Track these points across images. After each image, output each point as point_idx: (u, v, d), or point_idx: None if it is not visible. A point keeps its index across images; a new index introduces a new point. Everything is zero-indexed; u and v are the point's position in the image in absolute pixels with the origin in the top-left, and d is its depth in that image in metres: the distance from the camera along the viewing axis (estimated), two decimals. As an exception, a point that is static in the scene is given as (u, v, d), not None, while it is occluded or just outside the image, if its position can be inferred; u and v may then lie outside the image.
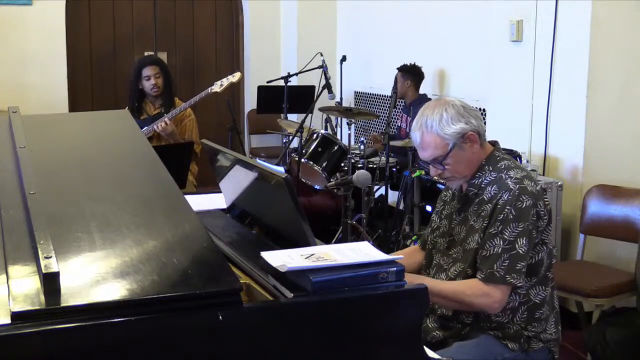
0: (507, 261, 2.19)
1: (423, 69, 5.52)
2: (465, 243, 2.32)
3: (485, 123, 4.87)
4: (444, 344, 2.30)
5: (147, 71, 4.67)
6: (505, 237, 2.20)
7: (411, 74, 5.46)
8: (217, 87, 4.60)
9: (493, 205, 2.24)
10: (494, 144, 2.39)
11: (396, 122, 5.64)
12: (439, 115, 2.26)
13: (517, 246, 2.19)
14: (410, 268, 2.48)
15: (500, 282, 2.19)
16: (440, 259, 2.41)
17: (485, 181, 2.31)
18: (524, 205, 2.20)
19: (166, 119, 4.49)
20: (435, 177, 2.38)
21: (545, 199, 2.29)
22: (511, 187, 2.23)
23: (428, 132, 2.27)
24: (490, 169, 2.32)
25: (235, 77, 4.64)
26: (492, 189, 2.27)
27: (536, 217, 2.23)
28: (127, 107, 4.82)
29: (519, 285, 2.22)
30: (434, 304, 2.30)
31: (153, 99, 4.77)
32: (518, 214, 2.20)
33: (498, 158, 2.34)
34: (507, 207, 2.20)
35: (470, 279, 2.26)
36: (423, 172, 4.46)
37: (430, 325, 2.36)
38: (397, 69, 5.51)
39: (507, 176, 2.27)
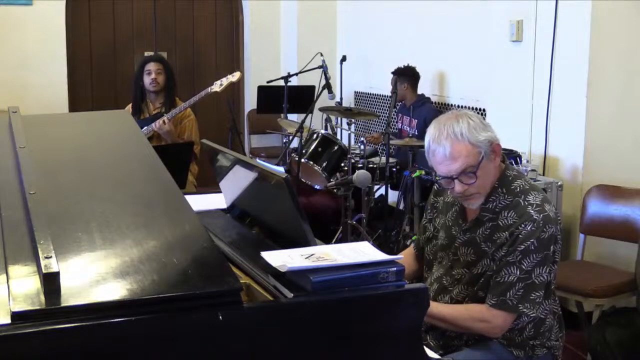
0: (522, 290, 2.13)
1: (423, 69, 5.52)
2: (473, 267, 2.24)
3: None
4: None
5: (150, 66, 4.71)
6: (523, 267, 2.13)
7: (407, 76, 5.43)
8: (216, 87, 4.61)
9: (512, 234, 2.15)
10: (503, 161, 2.28)
11: (396, 124, 5.63)
12: (467, 123, 2.14)
13: (533, 276, 2.13)
14: (408, 276, 2.44)
15: (512, 310, 2.14)
16: (443, 278, 2.33)
17: (500, 205, 2.21)
18: (546, 236, 2.13)
19: (165, 118, 4.50)
20: (456, 195, 2.22)
21: (559, 221, 2.21)
22: (534, 217, 2.13)
23: (459, 140, 2.12)
24: (504, 191, 2.21)
25: (235, 77, 4.64)
26: (510, 215, 2.18)
27: (554, 241, 2.18)
28: (130, 104, 4.83)
29: (531, 315, 2.16)
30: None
31: (153, 97, 4.78)
32: (540, 245, 2.13)
33: (510, 179, 2.24)
34: (531, 239, 2.12)
35: (472, 304, 2.22)
36: (423, 172, 4.45)
37: (432, 343, 2.29)
38: (392, 72, 5.48)
39: (526, 202, 2.17)
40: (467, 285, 2.26)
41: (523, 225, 2.13)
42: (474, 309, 2.19)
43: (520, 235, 2.13)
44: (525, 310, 2.14)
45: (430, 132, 2.19)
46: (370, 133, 6.47)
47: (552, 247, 2.17)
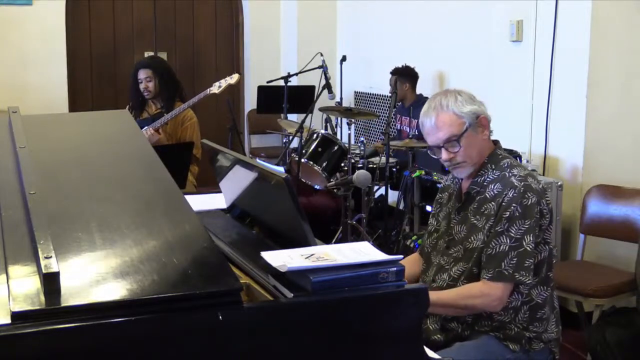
0: (515, 259, 2.20)
1: (423, 69, 5.51)
2: (466, 242, 2.33)
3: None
4: (445, 346, 2.29)
5: (140, 74, 4.72)
6: (512, 234, 2.21)
7: (407, 76, 5.44)
8: (215, 89, 4.61)
9: (497, 203, 2.26)
10: (495, 143, 2.42)
11: (395, 124, 5.62)
12: (454, 97, 2.32)
13: (524, 243, 2.21)
14: (412, 279, 2.48)
15: (510, 280, 2.20)
16: (440, 259, 2.41)
17: (488, 179, 2.33)
18: (529, 203, 2.22)
19: (151, 128, 4.48)
20: (445, 163, 2.39)
21: (547, 198, 2.30)
22: (516, 184, 2.25)
23: (444, 111, 2.30)
24: (493, 167, 2.35)
25: (233, 79, 4.65)
26: (495, 187, 2.30)
27: (539, 214, 2.24)
28: (127, 107, 4.84)
29: (527, 282, 2.22)
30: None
31: (151, 101, 4.79)
32: (524, 212, 2.22)
33: (500, 157, 2.37)
34: (513, 204, 2.22)
35: (471, 284, 2.27)
36: (423, 172, 4.45)
37: (431, 327, 2.36)
38: (391, 73, 5.48)
39: (510, 174, 2.29)
40: (463, 262, 2.32)
41: (505, 193, 2.25)
42: (472, 287, 2.25)
43: (503, 203, 2.24)
44: (521, 278, 2.21)
45: (423, 107, 2.38)
46: (369, 133, 6.47)
47: (537, 218, 2.23)
